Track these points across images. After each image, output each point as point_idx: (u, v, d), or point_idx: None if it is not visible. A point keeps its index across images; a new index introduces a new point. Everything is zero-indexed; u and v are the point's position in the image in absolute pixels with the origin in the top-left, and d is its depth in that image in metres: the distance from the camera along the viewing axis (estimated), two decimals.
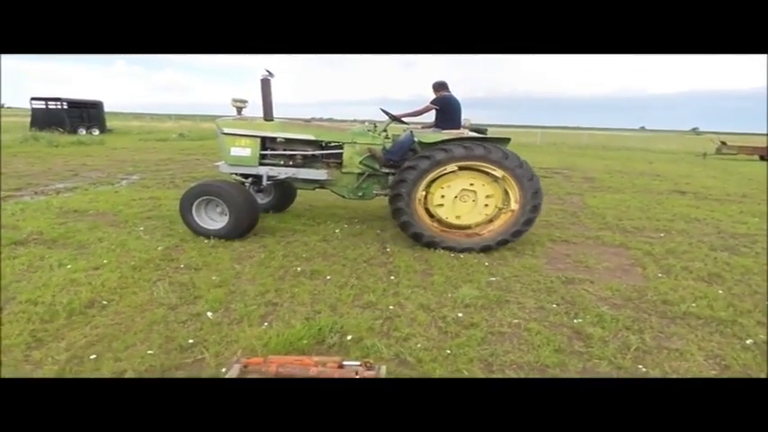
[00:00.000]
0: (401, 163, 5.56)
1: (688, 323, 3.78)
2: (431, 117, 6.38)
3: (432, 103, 6.09)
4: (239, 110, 5.88)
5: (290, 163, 5.98)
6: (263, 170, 5.81)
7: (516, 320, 3.69)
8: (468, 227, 5.45)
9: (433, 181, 5.24)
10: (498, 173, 5.17)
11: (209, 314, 3.50)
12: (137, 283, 4.07)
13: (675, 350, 3.31)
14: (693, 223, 7.55)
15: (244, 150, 5.75)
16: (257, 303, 3.75)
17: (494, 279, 4.60)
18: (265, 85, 5.52)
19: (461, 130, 5.83)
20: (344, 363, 2.58)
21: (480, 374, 2.90)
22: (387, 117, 6.04)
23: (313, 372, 2.40)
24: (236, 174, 6.09)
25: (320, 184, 6.03)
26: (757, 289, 4.53)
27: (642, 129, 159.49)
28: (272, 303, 3.79)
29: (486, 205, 5.35)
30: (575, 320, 3.73)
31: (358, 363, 2.59)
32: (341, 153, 5.87)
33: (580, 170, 15.52)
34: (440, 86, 6.24)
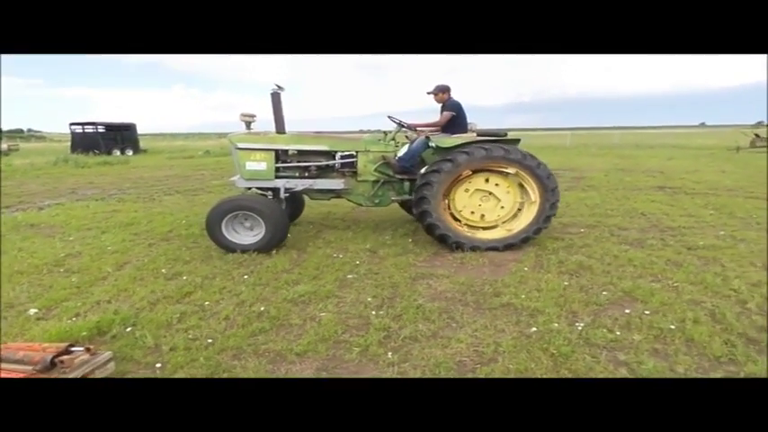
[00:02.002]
0: (414, 169, 5.86)
1: (495, 312, 3.80)
2: (428, 120, 6.48)
3: (446, 109, 6.14)
4: (248, 124, 5.92)
5: (306, 174, 6.04)
6: (279, 183, 5.87)
7: (323, 313, 3.81)
8: (495, 225, 5.68)
9: (454, 183, 5.46)
10: (513, 171, 5.41)
11: (31, 311, 3.82)
12: (11, 280, 4.55)
13: (447, 337, 3.36)
14: (636, 218, 7.37)
15: (259, 164, 5.79)
16: (87, 303, 4.04)
17: (350, 276, 4.71)
18: (276, 98, 5.63)
19: (471, 134, 5.93)
20: (72, 348, 2.82)
21: (220, 358, 3.06)
22: (395, 124, 6.12)
23: (19, 355, 2.66)
24: (250, 188, 6.13)
25: (336, 193, 6.13)
26: (596, 281, 4.46)
27: (702, 125, 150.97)
28: (105, 301, 4.07)
29: (497, 185, 5.56)
30: (379, 312, 3.82)
31: (82, 348, 2.83)
32: (355, 162, 5.99)
33: (578, 170, 15.17)
34: (444, 90, 6.26)
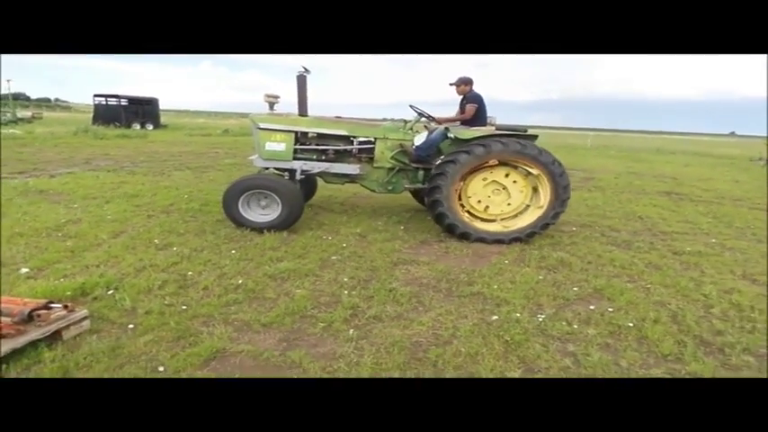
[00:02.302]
0: (430, 159, 6.02)
1: (463, 300, 3.92)
2: (450, 111, 6.66)
3: (468, 101, 6.25)
4: (271, 105, 6.00)
5: (323, 158, 6.13)
6: (297, 164, 5.95)
7: (298, 290, 3.97)
8: (494, 219, 5.82)
9: (475, 169, 5.58)
10: (534, 170, 5.54)
11: (23, 270, 4.04)
12: (10, 241, 4.79)
13: (410, 319, 3.50)
14: (632, 221, 7.41)
15: (279, 145, 5.87)
16: (77, 266, 4.25)
17: (334, 258, 4.86)
18: (301, 81, 5.69)
19: (490, 128, 6.05)
20: (51, 305, 3.02)
21: (190, 323, 3.23)
22: (417, 114, 6.25)
23: (0, 307, 2.87)
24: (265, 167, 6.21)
25: (351, 178, 6.24)
26: (571, 278, 4.56)
27: (732, 134, 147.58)
28: (94, 266, 4.27)
29: (515, 182, 5.69)
30: (351, 292, 3.96)
31: (60, 305, 3.02)
32: (373, 148, 6.08)
33: (590, 171, 15.12)
34: (467, 82, 6.36)
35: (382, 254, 5.00)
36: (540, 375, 2.83)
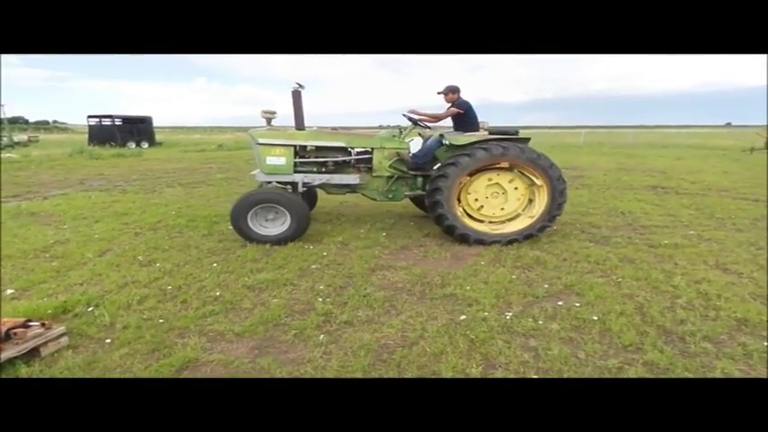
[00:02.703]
0: (426, 166, 6.21)
1: (435, 302, 4.02)
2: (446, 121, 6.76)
3: (455, 107, 6.37)
4: (269, 120, 6.12)
5: (323, 169, 6.29)
6: (298, 177, 6.08)
7: (275, 299, 4.07)
8: (482, 221, 5.92)
9: (485, 168, 5.72)
10: (536, 179, 5.71)
11: (8, 291, 4.16)
12: None
13: (381, 323, 3.60)
14: (613, 217, 7.50)
15: (279, 159, 6.02)
16: (61, 285, 4.37)
17: (314, 266, 4.97)
18: (296, 96, 5.82)
19: (483, 132, 6.18)
20: (29, 323, 3.13)
21: (165, 336, 3.34)
22: (410, 122, 6.41)
23: None
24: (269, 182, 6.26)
25: (351, 188, 6.37)
26: (544, 275, 4.68)
27: (728, 125, 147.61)
28: (77, 284, 4.39)
29: (516, 188, 5.85)
30: (326, 299, 4.07)
31: (38, 323, 3.14)
32: (371, 158, 6.25)
33: (580, 168, 15.22)
34: (454, 90, 6.49)
35: (362, 261, 5.11)
36: (500, 371, 2.93)
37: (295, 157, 6.12)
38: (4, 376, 2.79)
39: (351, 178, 6.24)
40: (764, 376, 2.88)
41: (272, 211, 5.75)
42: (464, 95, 6.44)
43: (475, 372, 2.90)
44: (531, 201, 5.94)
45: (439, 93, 6.53)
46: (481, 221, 5.93)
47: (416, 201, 7.40)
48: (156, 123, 30.94)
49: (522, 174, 5.82)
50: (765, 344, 3.22)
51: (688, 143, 31.26)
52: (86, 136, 28.39)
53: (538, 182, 5.72)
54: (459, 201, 5.85)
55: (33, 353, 3.02)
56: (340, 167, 6.36)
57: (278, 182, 6.26)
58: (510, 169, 5.75)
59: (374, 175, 6.28)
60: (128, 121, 28.40)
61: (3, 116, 32.80)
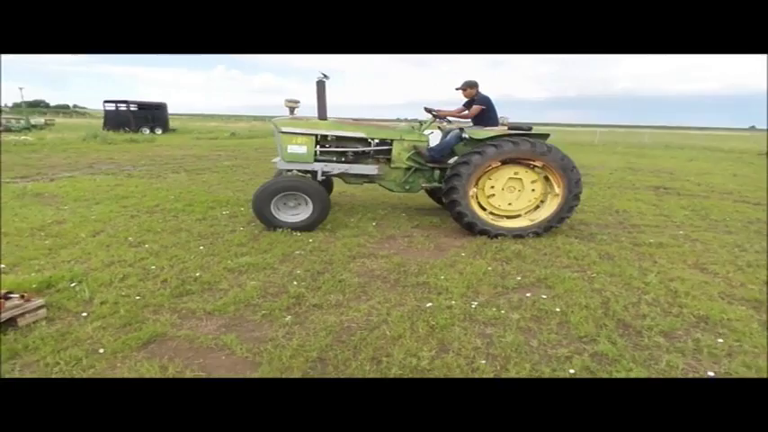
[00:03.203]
0: (444, 159, 6.35)
1: (407, 289, 4.13)
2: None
3: (477, 103, 6.47)
4: (292, 110, 6.21)
5: (343, 159, 6.42)
6: (318, 166, 6.19)
7: (252, 282, 4.20)
8: (485, 209, 6.00)
9: (513, 161, 5.80)
10: (557, 187, 5.86)
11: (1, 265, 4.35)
12: None
13: (349, 307, 3.71)
14: (606, 215, 7.54)
15: (300, 148, 6.11)
16: (50, 263, 4.54)
17: (297, 252, 5.09)
18: (320, 86, 5.91)
19: (503, 127, 6.28)
20: (9, 295, 3.30)
21: (139, 311, 3.49)
22: (431, 115, 6.53)
23: None
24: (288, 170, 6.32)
25: (369, 179, 6.51)
26: (520, 268, 4.75)
27: (752, 128, 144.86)
28: (66, 262, 4.56)
29: (533, 190, 5.98)
30: (301, 283, 4.19)
31: (17, 295, 3.30)
32: (390, 149, 6.36)
33: (588, 167, 15.11)
34: (472, 86, 6.59)
35: (345, 248, 5.22)
36: (450, 355, 3.02)
37: (316, 146, 6.26)
38: None
39: (369, 169, 6.35)
40: (711, 372, 2.93)
41: (292, 198, 5.90)
42: (487, 91, 6.54)
43: (426, 355, 2.99)
44: (537, 206, 6.03)
45: (457, 89, 6.64)
46: (484, 209, 6.00)
47: (432, 193, 7.58)
48: (173, 110, 31.43)
49: (546, 180, 5.92)
50: (720, 341, 3.27)
51: (704, 145, 30.85)
52: (102, 121, 28.84)
53: (556, 190, 5.82)
54: (476, 183, 5.89)
55: (11, 323, 3.17)
56: (359, 158, 6.48)
57: (297, 170, 6.40)
58: (540, 169, 5.84)
59: (393, 166, 6.39)
60: (143, 107, 28.83)
61: (21, 100, 33.31)
